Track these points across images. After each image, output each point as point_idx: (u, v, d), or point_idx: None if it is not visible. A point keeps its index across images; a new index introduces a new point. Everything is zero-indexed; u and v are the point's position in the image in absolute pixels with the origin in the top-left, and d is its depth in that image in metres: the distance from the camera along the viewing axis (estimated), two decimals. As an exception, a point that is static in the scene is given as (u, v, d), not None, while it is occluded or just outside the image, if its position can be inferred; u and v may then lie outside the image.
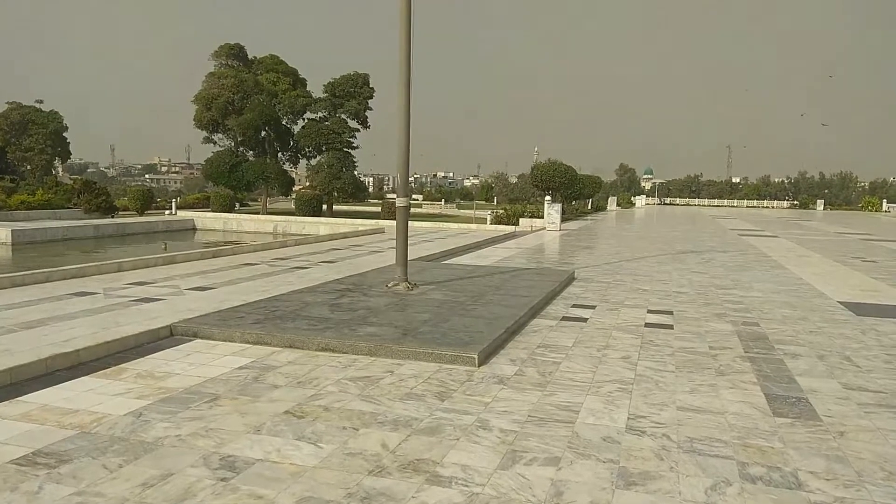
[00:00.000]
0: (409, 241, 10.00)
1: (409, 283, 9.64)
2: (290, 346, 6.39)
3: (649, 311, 8.78)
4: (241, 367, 5.71)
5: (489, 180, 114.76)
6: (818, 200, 74.20)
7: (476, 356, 5.93)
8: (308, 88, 43.64)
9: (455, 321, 7.34)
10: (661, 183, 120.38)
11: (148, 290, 9.19)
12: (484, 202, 75.84)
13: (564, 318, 8.22)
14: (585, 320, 8.13)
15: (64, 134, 50.03)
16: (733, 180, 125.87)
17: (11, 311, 7.50)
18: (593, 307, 9.04)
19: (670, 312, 8.74)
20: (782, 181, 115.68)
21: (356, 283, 10.17)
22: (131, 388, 5.09)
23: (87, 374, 5.43)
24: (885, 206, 64.64)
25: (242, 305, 8.03)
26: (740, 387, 5.45)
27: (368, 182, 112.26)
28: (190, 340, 6.61)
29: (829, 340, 7.27)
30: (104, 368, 5.58)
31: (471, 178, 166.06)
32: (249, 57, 42.99)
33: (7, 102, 48.38)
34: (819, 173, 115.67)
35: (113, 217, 27.83)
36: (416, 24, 9.46)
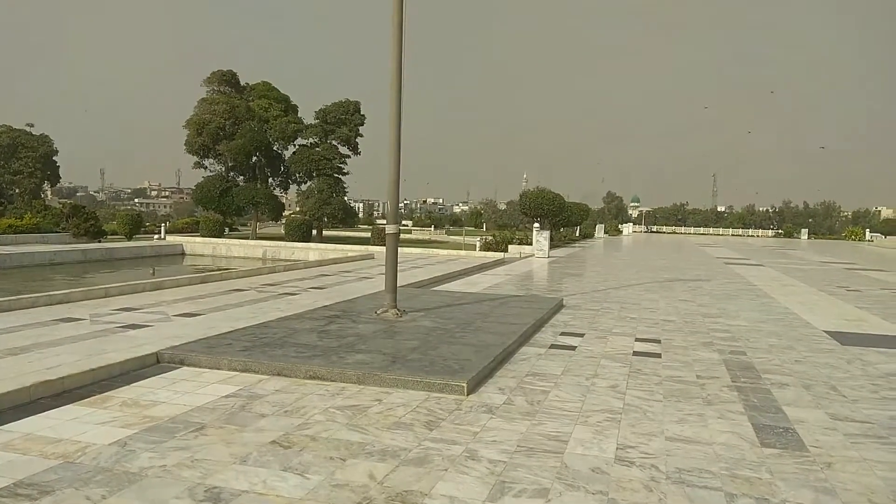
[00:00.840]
0: (398, 268, 10.01)
1: (399, 309, 9.63)
2: (278, 374, 6.36)
3: (637, 340, 8.81)
4: (227, 396, 5.66)
5: (478, 207, 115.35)
6: (802, 229, 75.02)
7: (465, 385, 5.92)
8: (300, 115, 43.93)
9: (444, 349, 7.33)
10: (648, 211, 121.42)
11: (135, 316, 9.13)
12: (473, 228, 76.08)
13: (553, 346, 8.23)
14: (574, 348, 8.15)
15: (54, 158, 49.88)
16: (719, 209, 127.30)
17: (-5, 337, 7.42)
18: (582, 335, 9.06)
19: (658, 341, 8.78)
20: (767, 210, 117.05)
21: (345, 309, 10.15)
22: (117, 416, 5.04)
23: (72, 402, 5.37)
24: (867, 235, 65.47)
25: (230, 332, 7.99)
26: (728, 417, 5.46)
27: (358, 207, 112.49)
28: (177, 368, 6.56)
29: (816, 370, 7.32)
30: (89, 396, 5.52)
31: (460, 204, 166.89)
32: (242, 83, 43.28)
33: (-4, 125, 48.27)
34: (803, 203, 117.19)
35: (101, 241, 27.66)
36: (407, 51, 9.61)
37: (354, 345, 7.44)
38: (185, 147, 40.02)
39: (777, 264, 26.14)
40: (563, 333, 9.17)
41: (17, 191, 47.65)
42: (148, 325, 8.38)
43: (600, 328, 9.68)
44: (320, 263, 19.11)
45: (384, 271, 9.88)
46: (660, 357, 7.76)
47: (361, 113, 41.96)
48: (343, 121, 41.55)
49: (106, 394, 5.61)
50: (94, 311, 9.37)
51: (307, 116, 43.53)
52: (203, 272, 14.86)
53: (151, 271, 17.39)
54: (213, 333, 7.85)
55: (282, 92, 43.99)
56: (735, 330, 9.87)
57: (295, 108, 44.12)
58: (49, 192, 64.17)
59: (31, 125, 49.64)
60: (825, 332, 9.96)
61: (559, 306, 11.65)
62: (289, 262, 19.72)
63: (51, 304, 9.82)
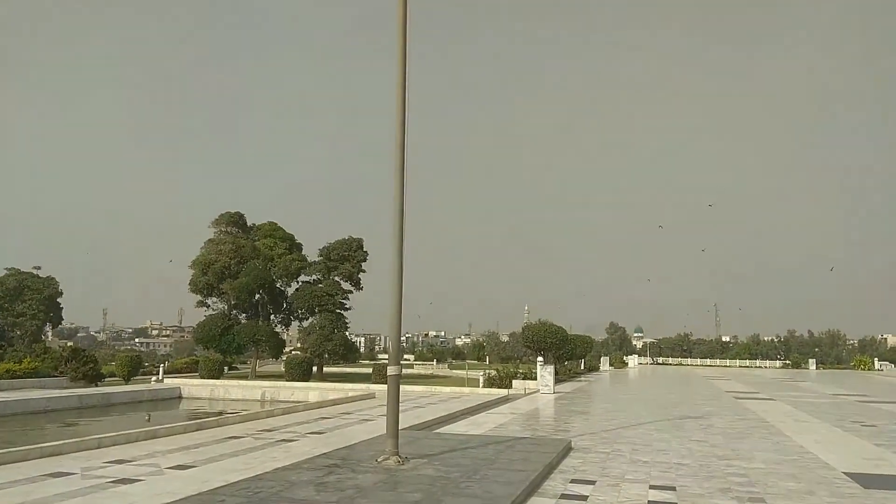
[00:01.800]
0: (400, 408, 9.79)
1: (400, 456, 9.30)
2: (274, 535, 6.02)
3: (651, 487, 8.42)
4: (219, 561, 5.33)
5: (481, 339, 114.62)
6: (810, 360, 74.09)
7: (471, 545, 5.59)
8: (303, 252, 44.90)
9: (448, 502, 7.00)
10: (653, 342, 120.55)
11: (127, 469, 8.80)
12: (476, 361, 75.17)
13: (563, 496, 7.85)
14: (585, 498, 7.77)
15: (58, 299, 50.36)
16: (723, 339, 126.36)
17: (-20, 497, 7.12)
18: (592, 482, 8.68)
19: (673, 488, 8.39)
20: (772, 339, 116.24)
21: (344, 457, 9.80)
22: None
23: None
24: (876, 364, 64.56)
25: (223, 486, 7.66)
26: (753, 578, 5.11)
27: (360, 342, 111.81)
28: (167, 529, 6.23)
29: (841, 519, 6.94)
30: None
31: (462, 336, 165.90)
32: (248, 224, 44.65)
33: (5, 269, 49.16)
34: (808, 332, 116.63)
35: (98, 385, 27.26)
36: (410, 190, 9.93)
37: (354, 499, 7.11)
38: (189, 287, 40.54)
39: (788, 398, 25.54)
40: (573, 481, 8.79)
41: (18, 333, 47.63)
42: (140, 480, 8.05)
43: (612, 474, 9.29)
44: (320, 405, 18.69)
45: (385, 412, 9.65)
46: (675, 507, 7.38)
47: (364, 249, 42.91)
48: (346, 257, 42.40)
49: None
50: (85, 465, 9.04)
51: (311, 253, 44.52)
52: (199, 418, 14.52)
53: (147, 417, 16.99)
54: (205, 489, 7.53)
55: (287, 231, 45.28)
56: (752, 473, 9.47)
57: (299, 246, 45.20)
58: (50, 334, 64.07)
59: (38, 267, 50.58)
60: (845, 473, 9.54)
61: (568, 449, 11.25)
62: (288, 405, 19.31)
63: (42, 457, 9.50)
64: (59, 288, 50.14)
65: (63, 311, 52.20)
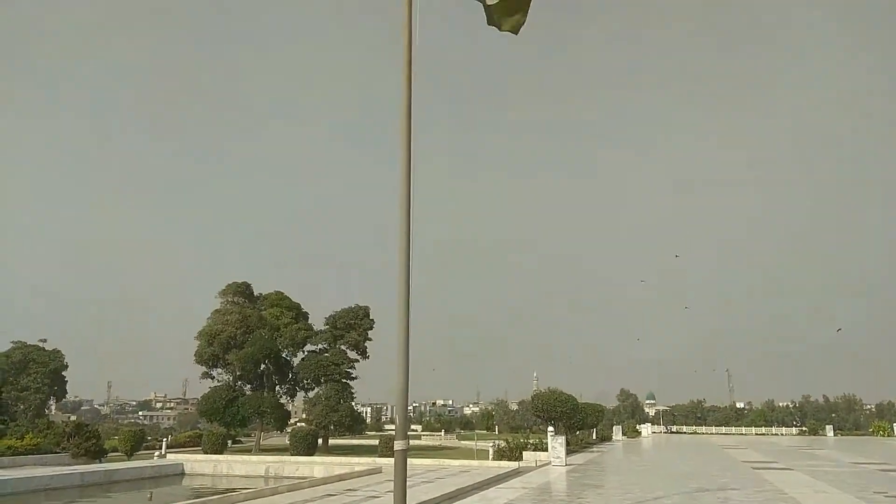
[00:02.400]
0: (407, 483, 9.55)
1: (409, 538, 9.00)
2: None
3: (669, 568, 8.10)
4: None
5: (489, 408, 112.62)
6: (827, 426, 72.26)
7: None
8: (310, 321, 44.77)
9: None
10: (665, 409, 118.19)
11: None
12: (485, 431, 73.69)
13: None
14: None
15: (63, 373, 50.11)
16: (737, 405, 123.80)
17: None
18: (608, 564, 8.36)
19: (691, 569, 8.08)
20: (787, 405, 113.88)
21: (352, 538, 9.51)
22: None
23: None
24: (895, 430, 62.95)
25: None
26: None
27: (366, 412, 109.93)
28: None
29: None
30: None
31: (471, 405, 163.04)
32: (255, 293, 44.75)
33: (11, 342, 49.14)
34: (823, 396, 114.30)
35: (101, 461, 26.77)
36: (415, 268, 9.97)
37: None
38: (194, 358, 40.31)
39: (806, 467, 24.80)
40: (586, 562, 8.47)
41: (21, 407, 47.15)
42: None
43: (627, 554, 8.96)
44: (325, 481, 18.26)
45: (392, 488, 9.41)
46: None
47: (371, 318, 42.77)
48: (352, 325, 42.22)
49: None
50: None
51: (317, 322, 44.37)
52: (201, 496, 14.19)
53: (149, 496, 16.62)
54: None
55: (293, 300, 45.30)
56: (773, 552, 9.11)
57: (306, 315, 45.11)
58: (54, 407, 63.41)
59: (44, 340, 50.55)
60: (871, 551, 9.17)
61: (580, 527, 10.89)
62: (293, 481, 18.87)
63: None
64: (65, 361, 49.96)
65: (67, 384, 51.88)
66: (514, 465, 24.29)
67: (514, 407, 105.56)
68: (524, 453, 26.74)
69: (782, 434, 77.43)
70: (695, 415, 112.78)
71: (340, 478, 19.06)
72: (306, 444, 34.28)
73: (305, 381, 41.91)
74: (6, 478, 19.05)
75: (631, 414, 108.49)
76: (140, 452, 31.52)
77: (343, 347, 42.06)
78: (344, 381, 41.00)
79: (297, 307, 44.95)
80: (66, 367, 50.17)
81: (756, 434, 78.18)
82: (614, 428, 56.09)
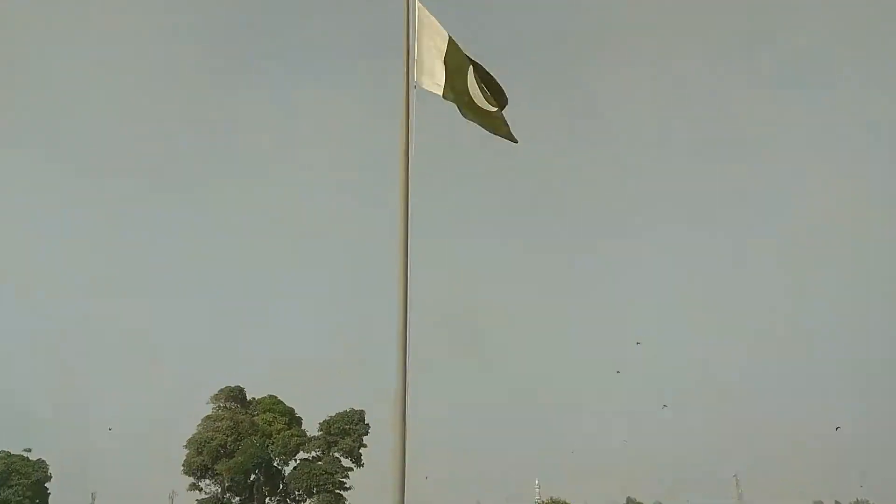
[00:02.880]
0: None
1: None
2: None
3: None
4: None
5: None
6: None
7: None
8: (303, 426, 43.64)
9: None
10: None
11: None
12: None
13: None
14: None
15: (45, 484, 48.31)
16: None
17: None
18: None
19: None
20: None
21: None
22: None
23: None
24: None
25: None
26: None
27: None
28: None
29: None
30: None
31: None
32: (248, 398, 43.96)
33: (-5, 452, 47.69)
34: (835, 503, 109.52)
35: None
36: (414, 366, 9.75)
37: None
38: (182, 468, 39.08)
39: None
40: None
41: (0, 522, 45.12)
42: None
43: None
44: None
45: None
46: None
47: (366, 422, 41.79)
48: (347, 431, 41.19)
49: None
50: None
51: (311, 427, 43.23)
52: None
53: None
54: None
55: (287, 405, 44.37)
56: None
57: (299, 420, 44.04)
58: (33, 522, 60.34)
59: (29, 450, 49.06)
60: None
61: None
62: None
63: None
64: (49, 472, 48.27)
65: (50, 496, 49.84)
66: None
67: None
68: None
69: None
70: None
71: None
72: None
73: (297, 493, 40.44)
74: None
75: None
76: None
77: (337, 455, 40.89)
78: (337, 491, 39.57)
79: (291, 412, 44.00)
80: (50, 478, 48.41)
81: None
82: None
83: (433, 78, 7.28)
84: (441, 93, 7.25)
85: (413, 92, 7.55)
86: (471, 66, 7.42)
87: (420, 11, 7.84)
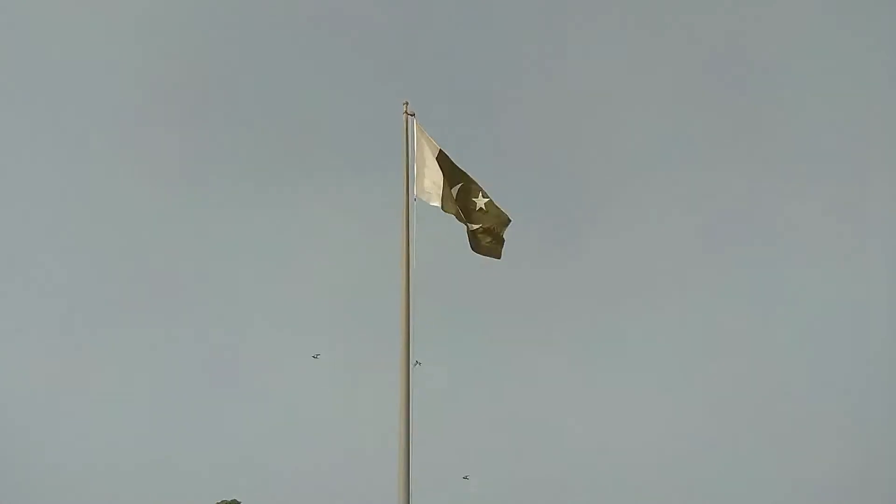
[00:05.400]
0: None
1: None
2: None
3: None
4: None
5: None
6: None
7: None
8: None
9: None
10: None
11: None
12: None
13: None
14: None
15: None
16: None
17: None
18: None
19: None
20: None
21: None
22: None
23: None
24: None
25: None
26: None
27: None
28: None
29: None
30: None
31: None
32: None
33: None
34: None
35: None
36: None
37: None
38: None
39: None
40: None
41: None
42: None
43: None
44: None
45: None
46: None
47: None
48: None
49: None
50: None
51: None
52: None
53: None
54: None
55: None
56: None
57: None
58: None
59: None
60: None
61: None
62: None
63: None
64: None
65: None
66: None
67: None
68: None
69: None
70: None
71: None
72: None
73: None
74: None
75: None
76: None
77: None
78: None
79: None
80: None
81: None
82: None
83: (432, 191, 7.82)
84: (440, 205, 7.76)
85: (413, 204, 8.07)
86: (460, 184, 7.89)
87: (417, 129, 8.54)
